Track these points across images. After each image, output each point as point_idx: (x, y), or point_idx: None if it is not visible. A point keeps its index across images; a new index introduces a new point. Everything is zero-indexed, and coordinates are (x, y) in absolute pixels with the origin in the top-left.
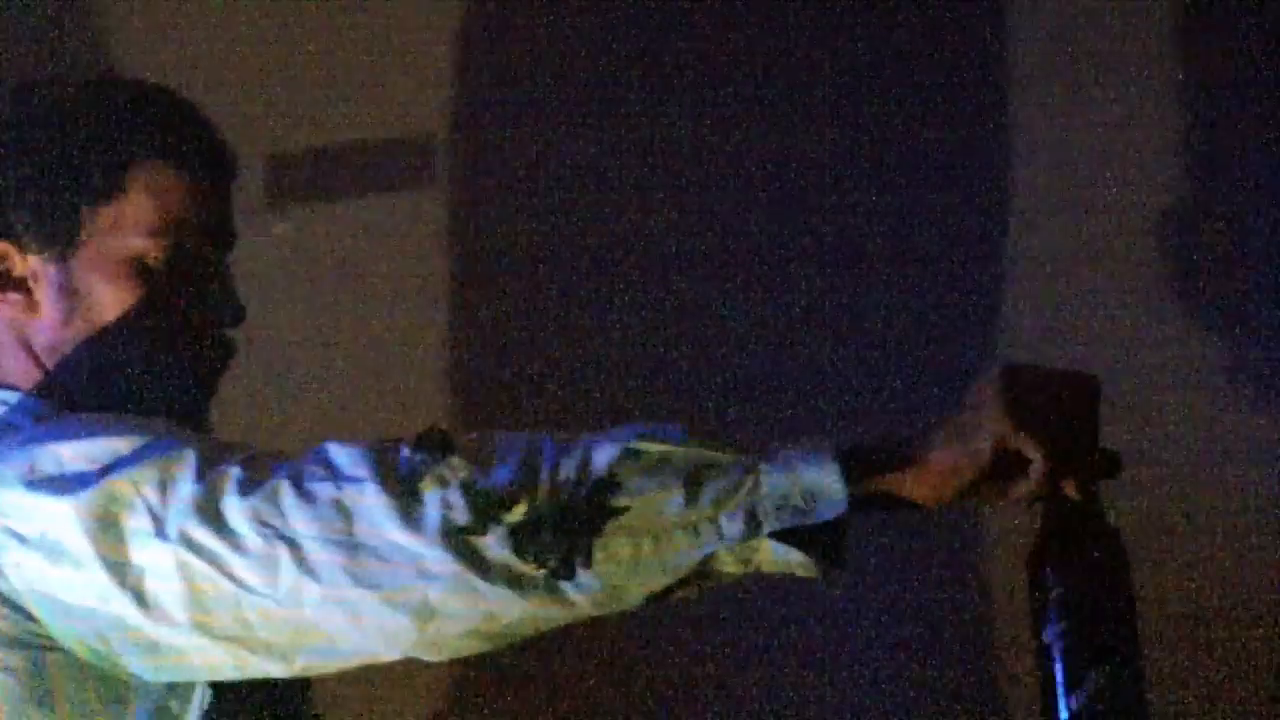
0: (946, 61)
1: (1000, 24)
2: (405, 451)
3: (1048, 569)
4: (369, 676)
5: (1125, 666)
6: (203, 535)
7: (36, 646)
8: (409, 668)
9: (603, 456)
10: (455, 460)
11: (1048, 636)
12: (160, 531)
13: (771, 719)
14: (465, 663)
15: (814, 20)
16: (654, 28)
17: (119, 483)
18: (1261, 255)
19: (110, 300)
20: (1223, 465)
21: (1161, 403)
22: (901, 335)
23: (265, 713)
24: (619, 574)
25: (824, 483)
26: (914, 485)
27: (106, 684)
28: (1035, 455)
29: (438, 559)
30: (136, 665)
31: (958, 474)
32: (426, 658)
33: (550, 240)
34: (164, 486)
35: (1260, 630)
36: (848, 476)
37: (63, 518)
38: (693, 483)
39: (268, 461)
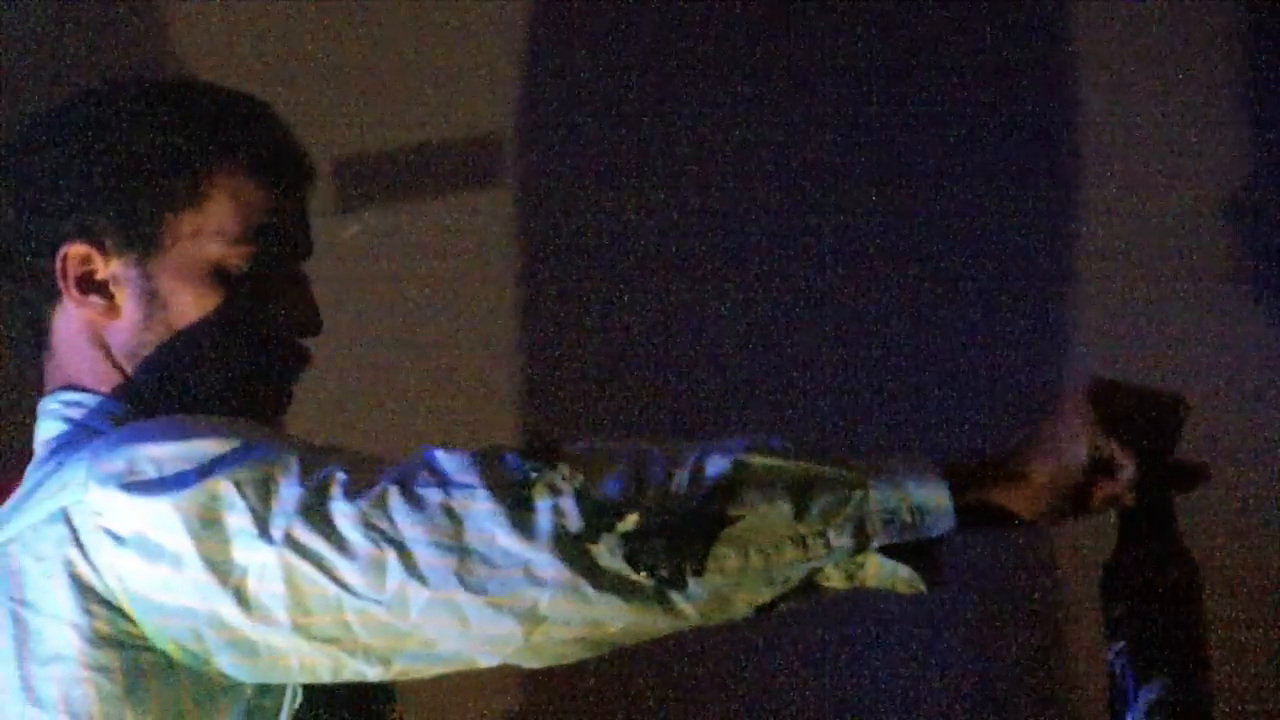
0: (953, 60)
1: (1009, 21)
2: (513, 459)
3: (1118, 583)
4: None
5: (1185, 686)
6: (308, 537)
7: (131, 646)
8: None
9: (714, 467)
10: (565, 468)
11: (1112, 650)
12: (264, 533)
13: (771, 719)
14: None
15: (833, 19)
16: (718, 25)
17: (220, 483)
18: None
19: (190, 305)
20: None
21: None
22: (905, 335)
23: (349, 714)
24: (726, 585)
25: (932, 499)
26: (1015, 499)
27: (198, 684)
28: (1126, 461)
29: (549, 566)
30: (231, 665)
31: (1056, 485)
32: (524, 664)
33: (620, 239)
34: (266, 488)
35: (1260, 630)
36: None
37: (163, 517)
38: (802, 496)
39: (371, 466)
